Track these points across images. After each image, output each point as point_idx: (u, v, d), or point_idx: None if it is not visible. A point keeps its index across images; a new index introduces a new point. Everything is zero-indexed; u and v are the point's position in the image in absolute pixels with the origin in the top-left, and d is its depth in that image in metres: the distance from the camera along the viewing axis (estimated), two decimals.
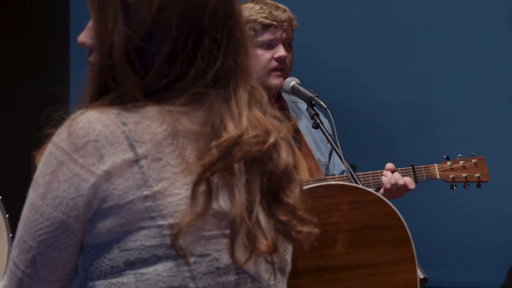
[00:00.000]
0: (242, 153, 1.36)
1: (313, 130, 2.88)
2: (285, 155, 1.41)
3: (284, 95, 3.05)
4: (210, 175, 1.34)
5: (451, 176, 3.03)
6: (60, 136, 1.34)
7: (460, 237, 4.90)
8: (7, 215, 2.87)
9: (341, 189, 1.92)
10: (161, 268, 1.33)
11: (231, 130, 1.36)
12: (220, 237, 1.36)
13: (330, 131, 2.76)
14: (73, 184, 1.32)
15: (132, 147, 1.33)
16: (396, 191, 2.94)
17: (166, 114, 1.35)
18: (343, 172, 2.92)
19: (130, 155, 1.32)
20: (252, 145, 1.37)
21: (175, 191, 1.33)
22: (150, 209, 1.32)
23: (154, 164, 1.33)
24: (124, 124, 1.34)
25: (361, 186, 1.98)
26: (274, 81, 2.89)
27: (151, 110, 1.35)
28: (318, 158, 2.98)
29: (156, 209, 1.32)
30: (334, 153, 2.91)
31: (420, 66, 4.82)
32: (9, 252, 2.79)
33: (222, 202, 1.36)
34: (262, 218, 1.39)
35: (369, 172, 2.96)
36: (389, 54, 4.89)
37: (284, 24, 2.88)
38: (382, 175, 2.94)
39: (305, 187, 1.87)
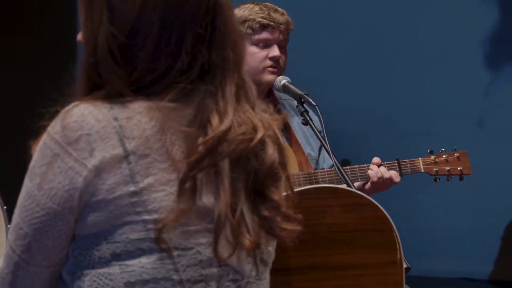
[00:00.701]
0: (228, 150, 1.35)
1: (303, 126, 2.87)
2: (271, 152, 1.40)
3: (276, 93, 3.05)
4: (196, 173, 1.33)
5: (434, 169, 3.03)
6: (55, 128, 1.33)
7: (447, 228, 4.93)
8: (5, 207, 2.86)
9: (335, 192, 1.91)
10: (145, 260, 1.33)
11: (216, 126, 1.35)
12: (203, 232, 1.36)
13: (319, 127, 2.76)
14: (68, 176, 1.32)
15: (121, 142, 1.32)
16: (382, 184, 2.94)
17: (156, 110, 1.34)
18: (332, 166, 2.92)
19: (119, 150, 1.32)
20: (238, 142, 1.36)
21: (161, 187, 1.33)
22: (136, 204, 1.32)
23: (142, 160, 1.32)
24: (115, 119, 1.33)
25: (354, 190, 1.97)
26: (268, 77, 2.90)
27: (141, 106, 1.34)
28: (308, 153, 2.98)
29: (142, 204, 1.32)
30: (323, 148, 2.91)
31: (406, 66, 4.85)
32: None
33: (205, 199, 1.35)
34: (247, 213, 1.38)
35: (356, 166, 2.96)
36: (376, 53, 4.90)
37: (281, 26, 2.90)
38: (369, 169, 2.94)
39: (300, 189, 1.88)
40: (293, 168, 2.89)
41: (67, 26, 4.61)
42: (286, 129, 2.99)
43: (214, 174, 1.36)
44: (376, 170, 2.92)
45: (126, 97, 1.35)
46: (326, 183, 2.86)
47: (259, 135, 1.38)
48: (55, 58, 4.58)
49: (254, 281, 1.43)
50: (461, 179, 3.07)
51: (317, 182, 2.86)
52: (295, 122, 2.98)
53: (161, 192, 1.33)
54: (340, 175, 2.59)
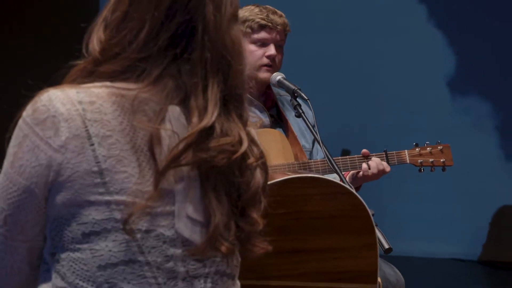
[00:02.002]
0: (209, 156, 1.34)
1: (298, 120, 2.86)
2: (258, 178, 1.40)
3: (274, 89, 3.04)
4: (174, 167, 1.33)
5: (419, 161, 3.01)
6: (27, 112, 1.35)
7: (437, 214, 4.93)
8: None
9: (316, 182, 1.91)
10: (112, 244, 1.33)
11: (196, 123, 1.34)
12: (165, 214, 1.35)
13: (312, 120, 2.74)
14: (34, 154, 1.33)
15: (84, 124, 1.32)
16: (375, 174, 2.91)
17: (118, 96, 1.34)
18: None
19: (82, 131, 1.32)
20: (220, 151, 1.35)
21: (122, 169, 1.32)
22: (99, 185, 1.32)
23: (104, 141, 1.32)
24: (80, 102, 1.33)
25: (334, 180, 1.96)
26: (263, 75, 2.90)
27: (105, 91, 1.35)
28: (303, 144, 2.96)
29: (104, 186, 1.32)
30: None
31: (392, 69, 4.89)
32: None
33: (166, 183, 1.34)
34: (225, 223, 1.38)
35: (347, 156, 2.94)
36: (366, 57, 4.93)
37: (278, 27, 2.89)
38: (359, 160, 2.91)
39: (283, 178, 1.87)
40: (289, 158, 2.87)
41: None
42: (283, 122, 2.97)
43: (197, 177, 1.36)
44: (378, 161, 2.89)
45: (95, 83, 1.36)
46: (319, 172, 2.84)
47: (243, 148, 1.36)
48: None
49: (221, 260, 1.42)
50: (443, 170, 3.05)
51: (311, 171, 2.84)
52: (291, 116, 2.96)
53: (123, 173, 1.32)
54: (330, 164, 2.57)
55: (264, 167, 1.43)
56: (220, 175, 1.37)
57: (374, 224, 1.90)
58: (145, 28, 1.36)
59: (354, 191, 1.90)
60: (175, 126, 1.36)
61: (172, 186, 1.35)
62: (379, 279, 1.90)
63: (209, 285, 1.39)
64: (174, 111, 1.36)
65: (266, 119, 2.90)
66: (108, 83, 1.36)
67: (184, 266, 1.37)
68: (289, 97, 2.94)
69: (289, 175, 1.86)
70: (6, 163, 1.35)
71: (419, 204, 4.93)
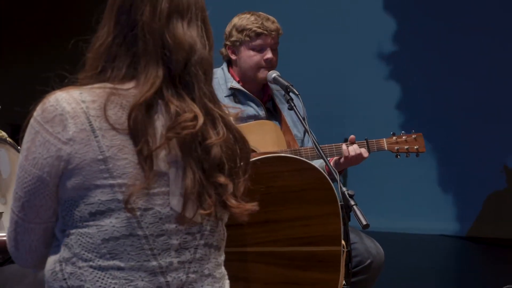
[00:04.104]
0: (174, 134, 1.37)
1: (291, 112, 2.88)
2: (215, 152, 1.40)
3: (270, 85, 3.06)
4: (157, 149, 1.37)
5: (396, 148, 3.01)
6: (37, 111, 1.40)
7: (425, 193, 4.91)
8: None
9: (284, 160, 1.94)
10: (115, 221, 1.37)
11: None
12: (160, 194, 1.39)
13: (302, 112, 2.75)
14: (45, 147, 1.37)
15: (88, 120, 1.36)
16: (354, 159, 2.92)
17: (116, 95, 1.38)
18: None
19: (86, 126, 1.36)
20: (183, 127, 1.38)
21: (123, 156, 1.36)
22: (103, 171, 1.36)
23: (107, 133, 1.36)
24: (83, 101, 1.38)
25: (300, 158, 1.98)
26: (261, 74, 2.94)
27: (105, 91, 1.39)
28: (295, 134, 2.98)
29: (108, 171, 1.36)
30: None
31: (371, 71, 4.90)
32: None
33: (162, 165, 1.38)
34: (206, 187, 1.41)
35: (333, 144, 2.95)
36: (350, 53, 4.94)
37: (273, 33, 2.93)
38: (345, 146, 2.92)
39: (256, 158, 1.89)
40: (282, 146, 2.90)
41: None
42: (278, 114, 3.00)
43: (175, 156, 1.39)
44: (356, 147, 2.90)
45: (94, 85, 1.41)
46: (308, 158, 2.86)
47: (200, 122, 1.39)
48: None
49: (209, 233, 1.45)
50: (417, 156, 3.05)
51: (301, 157, 2.85)
52: (285, 109, 2.98)
53: (124, 160, 1.36)
54: (317, 151, 2.58)
55: (229, 144, 1.44)
56: (190, 151, 1.40)
57: (336, 195, 1.92)
58: (106, 31, 1.42)
59: (317, 166, 1.92)
60: (163, 117, 1.40)
61: (166, 169, 1.39)
62: (343, 242, 1.92)
63: (198, 255, 1.44)
64: (161, 104, 1.40)
65: (262, 112, 2.93)
66: (107, 84, 1.40)
67: (177, 239, 1.41)
68: (283, 92, 2.97)
69: (260, 155, 1.89)
70: (21, 157, 1.40)
71: (406, 185, 4.92)
